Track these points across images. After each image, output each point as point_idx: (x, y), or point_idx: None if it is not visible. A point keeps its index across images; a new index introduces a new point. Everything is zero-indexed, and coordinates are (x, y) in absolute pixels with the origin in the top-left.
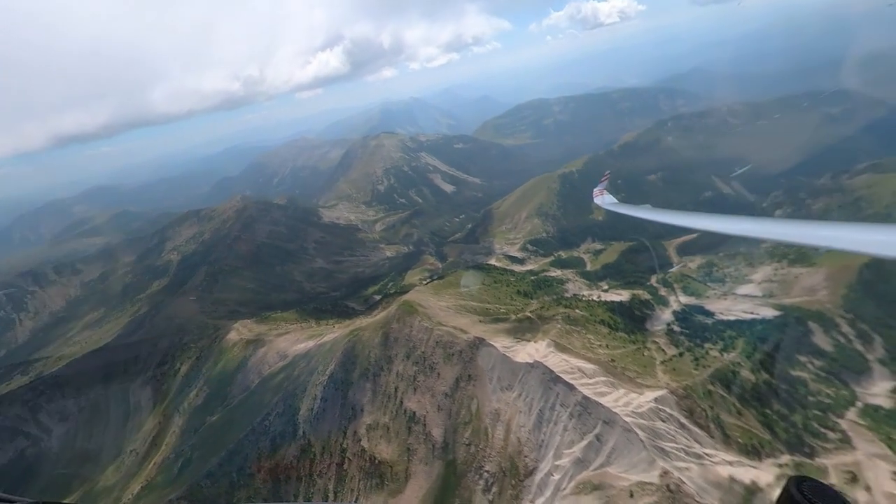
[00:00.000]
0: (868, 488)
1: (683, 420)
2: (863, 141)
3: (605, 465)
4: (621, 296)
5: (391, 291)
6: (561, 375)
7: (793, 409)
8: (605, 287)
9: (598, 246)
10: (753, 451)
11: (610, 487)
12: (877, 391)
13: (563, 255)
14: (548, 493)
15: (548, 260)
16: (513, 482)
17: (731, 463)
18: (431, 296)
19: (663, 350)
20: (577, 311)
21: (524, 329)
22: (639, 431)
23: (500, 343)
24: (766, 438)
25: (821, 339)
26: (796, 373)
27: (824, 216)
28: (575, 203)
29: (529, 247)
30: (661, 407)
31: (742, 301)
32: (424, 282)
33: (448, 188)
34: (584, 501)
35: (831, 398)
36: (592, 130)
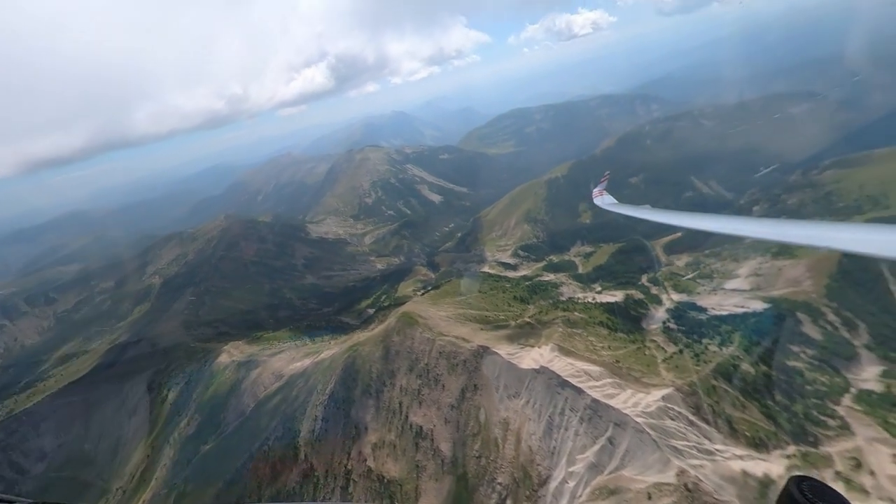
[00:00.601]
0: (872, 473)
1: (692, 417)
2: (826, 138)
3: (620, 468)
4: (615, 296)
5: (385, 304)
6: (568, 379)
7: (793, 399)
8: (599, 289)
9: (587, 248)
10: (761, 444)
11: (627, 491)
12: (866, 376)
13: (555, 259)
14: (563, 501)
15: (540, 265)
16: (527, 493)
17: (741, 457)
18: (430, 306)
19: (663, 348)
20: (575, 313)
21: (525, 334)
22: (650, 432)
23: (504, 350)
24: (772, 430)
25: (810, 329)
26: (791, 363)
27: (799, 210)
28: (562, 207)
29: (521, 252)
30: (669, 405)
31: (732, 296)
32: (419, 293)
33: (436, 198)
34: None
35: (826, 386)
36: (573, 137)
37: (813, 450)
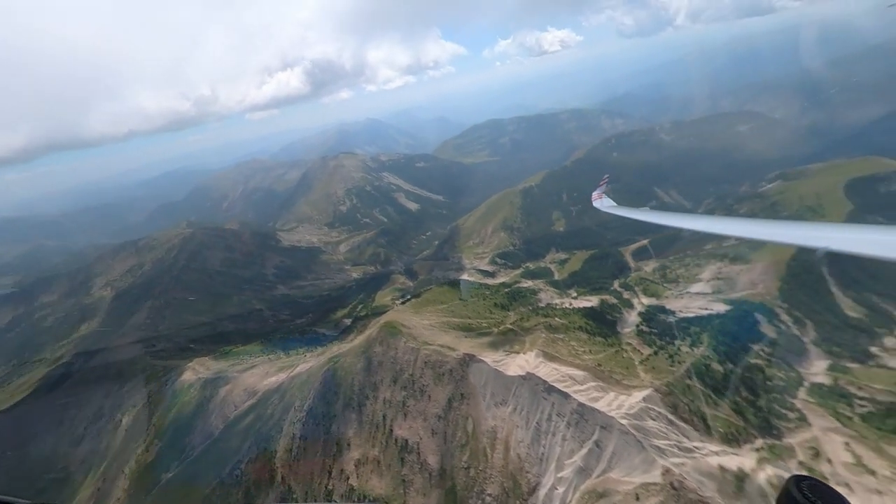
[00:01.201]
0: (829, 461)
1: (671, 416)
2: (769, 154)
3: (608, 470)
4: (591, 301)
5: (363, 314)
6: (554, 385)
7: (757, 394)
8: (575, 294)
9: (562, 255)
10: (733, 439)
11: (615, 493)
12: (815, 370)
13: (532, 266)
14: None
15: (518, 272)
16: (517, 502)
17: (717, 453)
18: (413, 315)
19: (639, 350)
20: (556, 319)
21: (509, 341)
22: (635, 433)
23: (490, 357)
24: (741, 425)
25: (766, 328)
26: (753, 360)
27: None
28: (537, 216)
29: (498, 260)
30: (650, 406)
31: (697, 298)
32: (397, 301)
33: (413, 206)
34: None
35: (784, 380)
36: (545, 148)
37: (777, 442)
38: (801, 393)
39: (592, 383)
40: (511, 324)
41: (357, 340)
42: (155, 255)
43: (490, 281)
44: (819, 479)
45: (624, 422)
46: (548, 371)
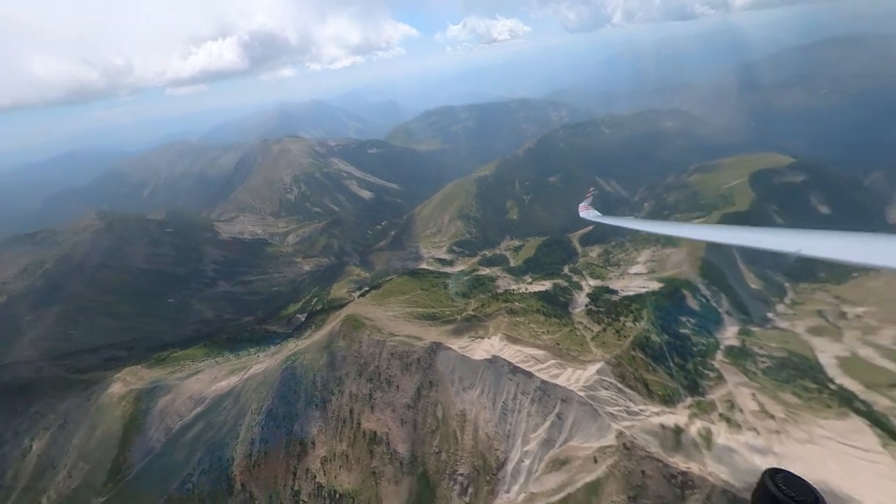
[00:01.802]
0: (741, 410)
1: (620, 385)
2: (691, 147)
3: (569, 439)
4: (544, 286)
5: (318, 308)
6: (519, 365)
7: (686, 359)
8: (530, 280)
9: (516, 242)
10: (669, 400)
11: (576, 459)
12: (728, 335)
13: (488, 253)
14: (521, 479)
15: (476, 259)
16: (487, 478)
17: (657, 413)
18: (376, 306)
19: (590, 328)
20: (515, 303)
21: (473, 327)
22: (591, 402)
23: (457, 344)
24: (674, 387)
25: (691, 302)
26: (682, 330)
27: (677, 205)
28: (491, 204)
29: (456, 248)
30: (602, 377)
31: (635, 279)
32: (354, 293)
33: (366, 195)
34: (555, 478)
35: (705, 346)
36: (496, 136)
37: (702, 399)
38: (719, 355)
39: (552, 361)
40: (473, 310)
41: (316, 336)
42: (59, 250)
43: (449, 269)
44: (791, 471)
45: (581, 394)
46: (512, 353)
